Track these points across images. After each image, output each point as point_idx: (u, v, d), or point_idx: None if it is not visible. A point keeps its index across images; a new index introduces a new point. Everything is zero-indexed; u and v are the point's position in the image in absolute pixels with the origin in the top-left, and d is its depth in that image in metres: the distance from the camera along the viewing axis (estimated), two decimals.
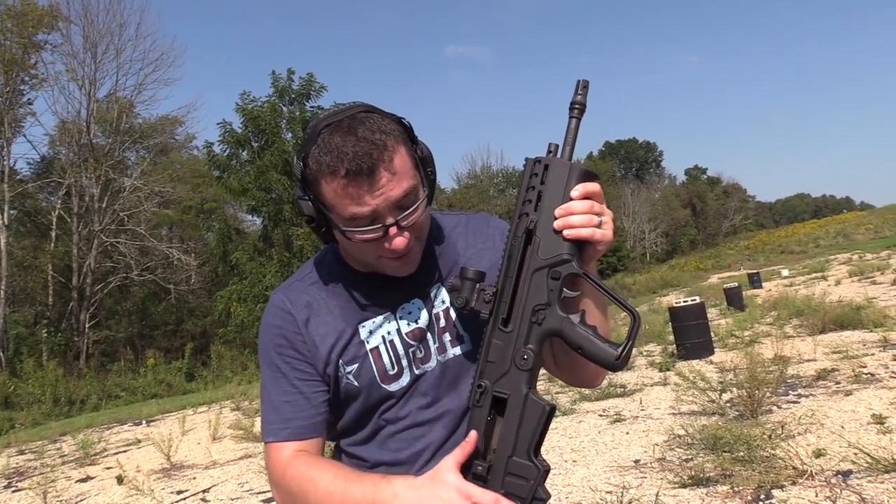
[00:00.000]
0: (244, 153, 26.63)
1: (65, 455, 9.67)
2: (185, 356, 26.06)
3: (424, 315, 1.22)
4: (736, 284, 18.07)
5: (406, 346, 1.21)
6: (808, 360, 7.91)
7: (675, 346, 10.24)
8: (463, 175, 56.70)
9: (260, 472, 6.57)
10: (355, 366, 1.19)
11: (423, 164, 1.15)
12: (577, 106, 1.07)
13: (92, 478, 7.61)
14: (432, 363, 1.22)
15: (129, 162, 30.92)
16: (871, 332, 8.98)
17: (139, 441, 10.02)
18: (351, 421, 1.24)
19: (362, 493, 1.07)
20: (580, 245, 1.04)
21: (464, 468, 1.04)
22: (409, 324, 1.22)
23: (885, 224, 53.39)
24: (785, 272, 29.47)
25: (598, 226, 1.04)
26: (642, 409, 6.91)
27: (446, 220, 1.33)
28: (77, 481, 7.50)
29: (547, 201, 1.05)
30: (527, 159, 1.08)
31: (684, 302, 10.42)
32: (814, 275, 25.25)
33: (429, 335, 1.22)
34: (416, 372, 1.21)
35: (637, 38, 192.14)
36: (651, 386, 8.17)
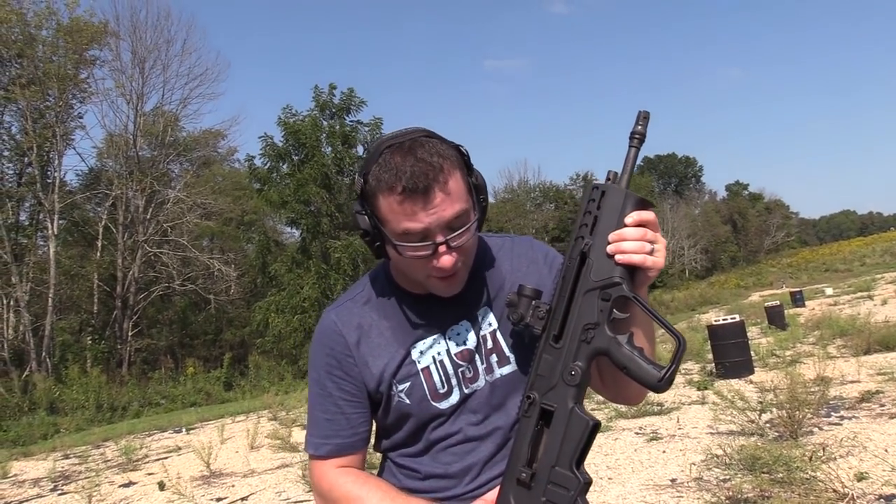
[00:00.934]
0: (284, 166, 27.05)
1: (108, 460, 9.91)
2: (223, 366, 26.43)
3: (472, 337, 1.28)
4: (777, 303, 17.77)
5: (455, 366, 1.26)
6: (852, 382, 7.76)
7: (713, 364, 10.12)
8: (500, 189, 56.70)
9: (297, 481, 6.66)
10: (407, 384, 1.25)
11: (477, 190, 1.21)
12: (637, 136, 1.12)
13: (134, 483, 7.80)
14: (481, 382, 1.27)
15: (172, 174, 31.61)
16: None
17: (179, 448, 10.22)
18: (404, 436, 1.29)
19: None
20: (632, 270, 1.09)
21: (508, 475, 1.10)
22: (458, 345, 1.27)
23: None
24: (829, 290, 28.82)
25: (650, 253, 1.08)
26: (679, 428, 6.84)
27: (492, 241, 1.38)
28: (120, 486, 7.69)
29: (602, 226, 1.10)
30: (586, 184, 1.14)
31: (724, 320, 10.30)
32: (859, 294, 24.67)
33: (477, 356, 1.27)
34: (466, 391, 1.26)
35: (677, 50, 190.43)
36: (689, 404, 8.09)
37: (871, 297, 22.03)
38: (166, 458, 9.49)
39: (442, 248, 1.14)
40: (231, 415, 14.98)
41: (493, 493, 1.15)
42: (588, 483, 1.06)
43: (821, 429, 5.88)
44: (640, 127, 1.12)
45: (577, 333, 1.09)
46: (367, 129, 27.66)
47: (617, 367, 1.08)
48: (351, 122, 27.56)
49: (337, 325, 1.29)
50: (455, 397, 1.26)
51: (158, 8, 39.60)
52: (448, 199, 1.13)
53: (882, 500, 3.92)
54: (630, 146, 1.13)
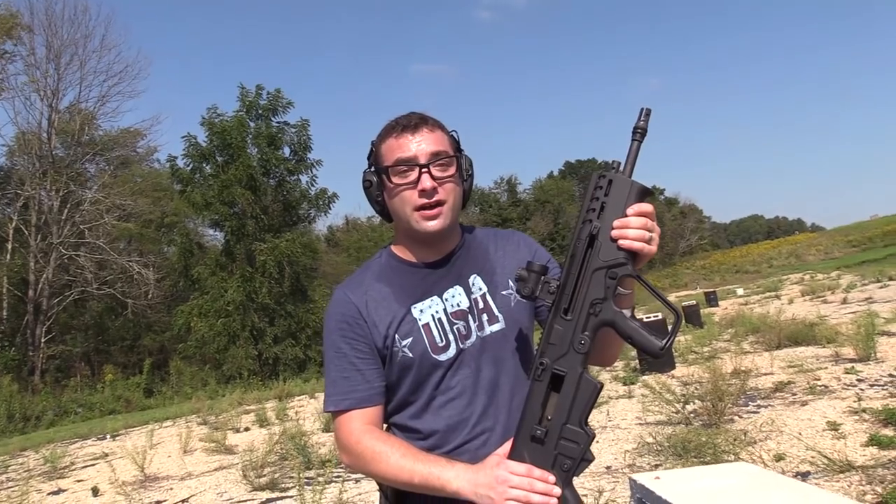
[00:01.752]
0: (208, 167, 26.47)
1: (30, 469, 9.55)
2: (143, 372, 25.66)
3: (465, 299, 1.47)
4: (694, 302, 18.57)
5: (451, 323, 1.44)
6: (766, 374, 8.27)
7: (637, 360, 10.56)
8: None
9: (238, 482, 6.65)
10: (410, 339, 1.42)
11: (469, 166, 1.49)
12: (639, 130, 1.27)
13: (64, 490, 7.59)
14: (473, 338, 1.45)
15: (89, 174, 30.57)
16: (824, 347, 9.41)
17: (106, 455, 9.94)
18: (406, 393, 1.45)
19: (428, 469, 1.30)
20: (632, 253, 1.24)
21: (522, 432, 1.25)
22: (453, 306, 1.46)
23: (835, 245, 55.18)
24: (740, 291, 30.27)
25: (649, 241, 1.25)
26: (610, 420, 7.16)
27: (479, 231, 1.62)
28: (49, 494, 7.47)
29: (608, 212, 1.24)
30: (594, 172, 1.30)
31: (646, 318, 10.75)
32: (768, 294, 26.03)
33: (470, 316, 1.45)
34: (462, 346, 1.44)
35: (598, 58, 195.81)
36: (617, 398, 8.45)
37: (778, 297, 23.29)
38: (93, 464, 9.25)
39: (425, 171, 1.38)
40: (157, 421, 14.62)
41: (504, 448, 1.30)
42: (594, 437, 1.23)
43: (741, 417, 6.29)
44: (642, 122, 1.27)
45: (586, 307, 1.24)
46: (293, 130, 27.40)
47: (622, 337, 1.25)
48: (277, 123, 27.23)
49: (347, 295, 1.47)
50: (452, 351, 1.42)
51: (76, 2, 38.29)
52: (433, 136, 1.41)
53: (799, 476, 4.28)
54: (633, 140, 1.27)
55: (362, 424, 1.42)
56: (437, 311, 1.44)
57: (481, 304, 1.47)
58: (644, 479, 1.14)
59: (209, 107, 26.41)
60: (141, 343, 32.88)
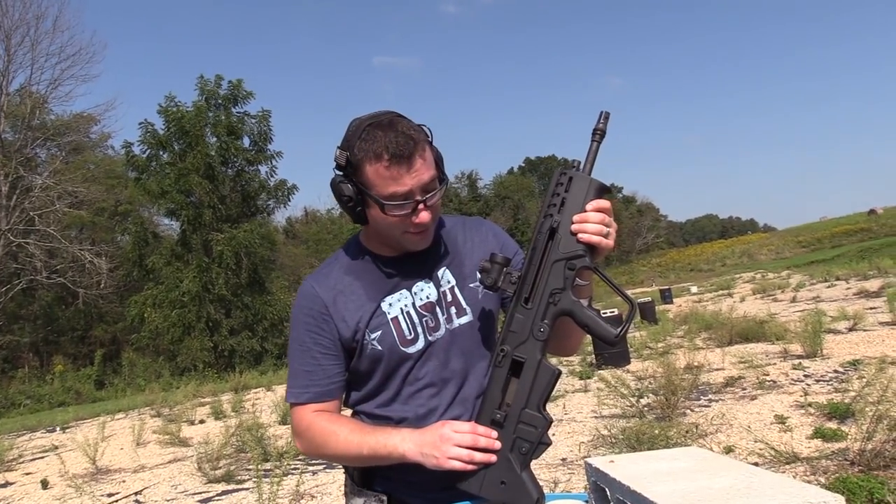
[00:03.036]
0: (165, 155, 26.01)
1: None
2: (94, 363, 25.16)
3: (434, 292, 1.48)
4: (649, 299, 18.92)
5: (420, 316, 1.46)
6: (718, 369, 8.49)
7: (594, 356, 10.73)
8: None
9: (192, 474, 6.58)
10: (379, 332, 1.44)
11: (440, 162, 1.44)
12: (598, 132, 1.33)
13: (12, 483, 7.41)
14: (442, 331, 1.47)
15: (40, 159, 29.71)
16: (773, 343, 9.69)
17: (56, 447, 9.75)
18: (376, 384, 1.47)
19: (376, 440, 1.35)
20: (590, 246, 1.29)
21: (483, 416, 1.30)
22: (421, 298, 1.47)
23: (786, 245, 56.69)
24: (694, 289, 30.90)
25: (606, 236, 1.30)
26: (566, 413, 7.27)
27: (447, 219, 1.61)
28: None
29: (569, 207, 1.30)
30: (556, 169, 1.35)
31: (603, 314, 10.90)
32: (720, 292, 26.63)
33: (438, 308, 1.47)
34: (430, 338, 1.46)
35: (563, 58, 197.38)
36: (573, 392, 8.58)
37: (731, 295, 23.86)
38: (43, 457, 9.05)
39: (421, 206, 1.35)
40: (107, 413, 14.34)
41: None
42: (551, 422, 1.27)
43: (693, 410, 6.44)
44: (601, 124, 1.33)
45: (546, 297, 1.29)
46: (254, 120, 27.06)
47: (579, 326, 1.29)
48: (238, 113, 26.87)
49: (314, 288, 1.47)
50: (421, 343, 1.45)
51: None
52: (425, 165, 1.34)
53: None
54: (592, 140, 1.33)
55: (314, 411, 1.46)
56: (405, 305, 1.46)
57: (450, 297, 1.49)
58: (599, 462, 1.18)
59: (166, 94, 25.96)
60: (92, 334, 32.18)
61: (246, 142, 27.16)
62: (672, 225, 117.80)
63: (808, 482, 3.86)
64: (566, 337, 1.47)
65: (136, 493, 6.24)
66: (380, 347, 1.43)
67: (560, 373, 1.30)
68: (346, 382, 1.52)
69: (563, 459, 5.43)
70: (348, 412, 1.54)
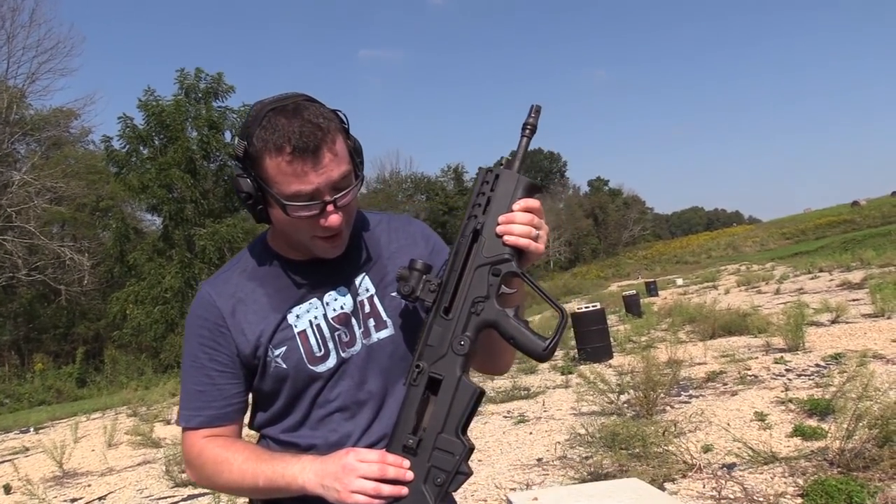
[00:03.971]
0: (145, 150, 25.69)
1: None
2: (76, 361, 24.85)
3: (349, 301, 1.29)
4: (634, 292, 18.86)
5: (332, 329, 1.27)
6: (699, 364, 8.38)
7: (576, 350, 10.61)
8: (371, 179, 56.58)
9: (160, 477, 6.39)
10: (283, 348, 1.25)
11: (356, 154, 1.24)
12: (528, 127, 1.20)
13: None
14: (358, 347, 1.28)
15: (18, 155, 29.18)
16: (756, 337, 9.59)
17: (27, 449, 9.54)
18: (282, 406, 1.29)
19: (272, 469, 1.17)
20: (518, 251, 1.15)
21: (394, 442, 1.13)
22: (335, 309, 1.28)
23: (771, 237, 56.93)
24: (679, 281, 30.92)
25: (535, 238, 1.15)
26: (545, 411, 7.14)
27: (370, 217, 1.41)
28: None
29: (494, 207, 1.16)
30: (480, 168, 1.20)
31: (586, 308, 10.80)
32: (706, 284, 26.63)
33: (354, 320, 1.29)
34: (343, 355, 1.27)
35: (549, 50, 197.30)
36: (553, 388, 8.45)
37: (715, 287, 23.86)
38: (12, 459, 8.82)
39: (330, 208, 1.16)
40: (85, 412, 14.13)
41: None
42: (472, 449, 1.11)
43: (672, 407, 6.33)
44: (531, 119, 1.20)
45: (468, 306, 1.14)
46: (235, 115, 26.76)
47: (504, 338, 1.13)
48: (219, 107, 26.56)
49: (211, 296, 1.28)
50: (332, 361, 1.26)
51: None
52: (335, 160, 1.15)
53: (725, 468, 4.29)
54: (522, 136, 1.20)
55: (206, 437, 1.28)
56: (315, 317, 1.27)
57: (367, 308, 1.30)
58: (521, 499, 1.02)
59: (146, 88, 25.62)
60: (75, 331, 31.76)
61: (228, 136, 26.85)
62: (658, 217, 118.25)
63: (786, 484, 3.74)
64: (498, 353, 1.31)
65: (99, 499, 6.05)
66: (284, 366, 1.25)
67: (483, 392, 1.13)
68: (253, 402, 1.34)
69: (539, 459, 5.29)
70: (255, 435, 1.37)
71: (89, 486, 6.64)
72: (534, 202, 1.16)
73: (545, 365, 10.69)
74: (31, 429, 12.16)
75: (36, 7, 39.40)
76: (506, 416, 7.16)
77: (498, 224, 1.14)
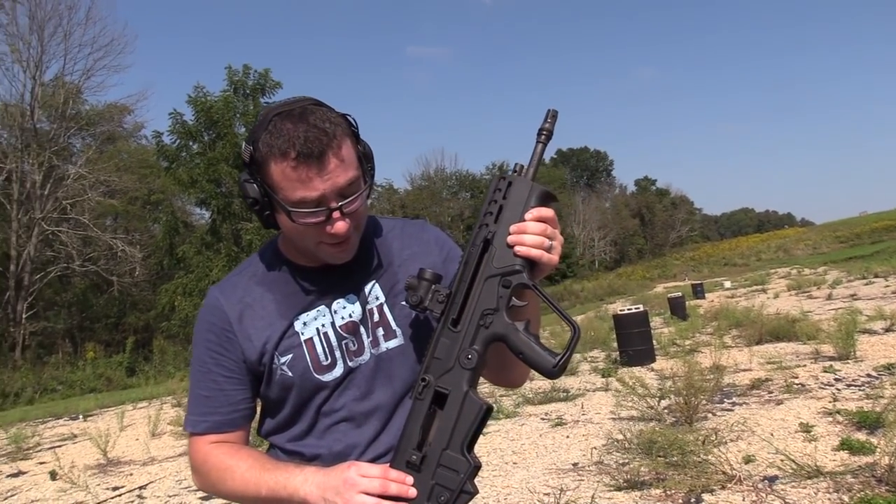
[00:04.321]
0: (194, 145, 26.20)
1: None
2: (126, 350, 25.46)
3: (358, 309, 1.26)
4: (680, 294, 18.51)
5: (339, 338, 1.25)
6: (744, 370, 8.17)
7: (618, 352, 10.45)
8: (416, 176, 56.75)
9: None
10: (289, 356, 1.23)
11: (365, 159, 1.21)
12: (544, 132, 1.14)
13: (24, 472, 7.42)
14: (366, 356, 1.26)
15: (74, 149, 30.08)
16: (805, 344, 9.31)
17: (75, 436, 9.79)
18: (288, 414, 1.27)
19: (275, 479, 1.15)
20: (530, 262, 1.10)
21: (398, 457, 1.10)
22: (343, 317, 1.26)
23: (824, 240, 55.39)
24: (727, 284, 30.29)
25: (548, 249, 1.10)
26: (583, 414, 7.04)
27: (384, 222, 1.38)
28: (8, 476, 7.30)
29: (506, 216, 1.11)
30: (493, 175, 1.15)
31: (628, 310, 10.64)
32: (754, 287, 26.03)
33: (362, 329, 1.26)
34: (350, 364, 1.25)
35: (597, 48, 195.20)
36: (593, 391, 8.33)
37: (764, 291, 23.28)
38: (60, 446, 9.07)
39: (336, 215, 1.14)
40: (132, 401, 14.47)
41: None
42: (478, 467, 1.07)
43: (714, 414, 6.17)
44: (547, 124, 1.15)
45: (476, 318, 1.10)
46: None
47: (513, 353, 1.09)
48: (266, 103, 26.90)
49: (219, 300, 1.27)
50: (339, 370, 1.24)
51: None
52: (342, 166, 1.12)
53: (766, 481, 4.15)
54: (537, 142, 1.15)
55: (212, 442, 1.26)
56: (323, 325, 1.25)
57: (377, 317, 1.27)
58: None
59: (196, 85, 26.10)
60: (125, 321, 32.59)
61: None
62: (707, 218, 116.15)
63: (830, 500, 3.60)
64: (511, 366, 1.26)
65: (140, 488, 6.17)
66: (290, 374, 1.23)
67: (490, 409, 1.09)
68: (261, 409, 1.32)
69: (575, 464, 5.21)
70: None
71: (131, 474, 6.78)
72: (547, 211, 1.12)
73: (586, 367, 10.57)
74: (81, 416, 12.50)
75: (92, 5, 40.40)
76: (543, 419, 7.08)
77: (509, 234, 1.10)
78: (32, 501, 6.10)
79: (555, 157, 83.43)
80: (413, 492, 1.07)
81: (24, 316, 25.68)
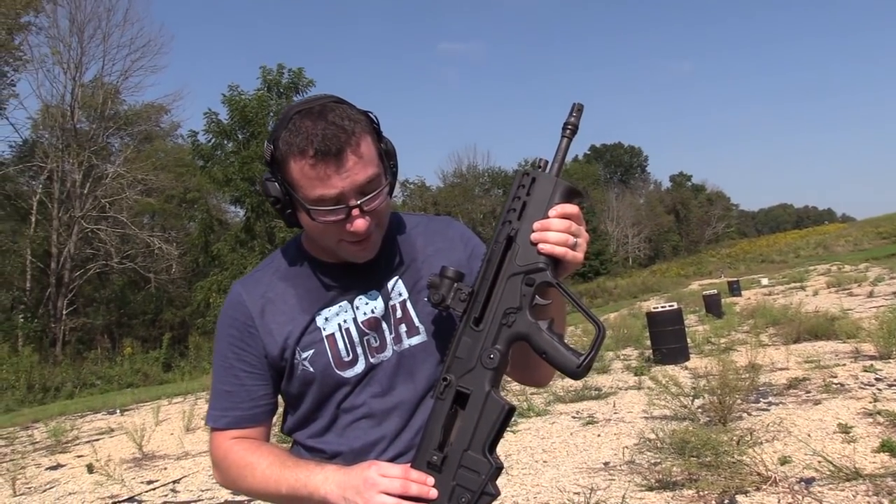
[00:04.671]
0: (229, 144, 26.49)
1: (36, 442, 9.60)
2: (162, 346, 25.86)
3: (381, 306, 1.25)
4: (715, 291, 18.22)
5: (361, 334, 1.24)
6: (781, 369, 8.00)
7: (651, 350, 10.32)
8: (449, 173, 56.70)
9: None
10: (311, 352, 1.22)
11: (387, 156, 1.20)
12: (569, 127, 1.12)
13: (62, 465, 7.56)
14: (388, 353, 1.25)
15: (112, 148, 30.61)
16: (844, 342, 9.10)
17: (112, 430, 9.96)
18: (309, 410, 1.26)
19: (295, 477, 1.14)
20: (554, 259, 1.07)
21: (419, 457, 1.08)
22: (365, 313, 1.25)
23: (865, 237, 54.03)
24: (764, 281, 29.74)
25: (573, 247, 1.07)
26: (615, 413, 6.96)
27: (408, 219, 1.37)
28: (47, 469, 7.45)
29: (530, 212, 1.09)
30: (517, 170, 1.13)
31: (662, 307, 10.49)
32: (793, 285, 25.52)
33: (384, 325, 1.25)
34: (372, 361, 1.24)
35: (632, 43, 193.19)
36: (626, 389, 8.24)
37: (803, 288, 22.81)
38: (97, 440, 9.24)
39: (356, 212, 1.13)
40: (168, 396, 14.68)
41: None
42: (500, 468, 1.05)
43: (749, 414, 6.05)
44: (573, 118, 1.12)
45: (499, 317, 1.08)
46: None
47: (536, 353, 1.06)
48: None
49: (241, 296, 1.27)
50: (360, 366, 1.23)
51: None
52: (361, 163, 1.11)
53: (802, 482, 4.05)
54: (563, 136, 1.12)
55: (233, 438, 1.26)
56: (345, 320, 1.24)
57: (399, 313, 1.26)
58: None
59: (230, 84, 26.37)
60: (162, 317, 33.16)
61: None
62: (744, 214, 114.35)
63: (870, 503, 3.50)
64: (533, 366, 1.24)
65: (174, 482, 6.25)
66: (311, 369, 1.22)
67: (513, 409, 1.06)
68: (284, 406, 1.32)
69: (606, 463, 5.15)
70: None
71: (165, 469, 6.87)
72: (572, 208, 1.09)
73: (618, 365, 10.46)
74: (118, 410, 12.72)
75: (129, 7, 41.22)
76: (574, 417, 7.02)
77: (533, 231, 1.07)
78: (70, 494, 6.22)
79: (588, 153, 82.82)
80: (434, 493, 1.05)
81: (64, 312, 26.24)
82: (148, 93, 57.48)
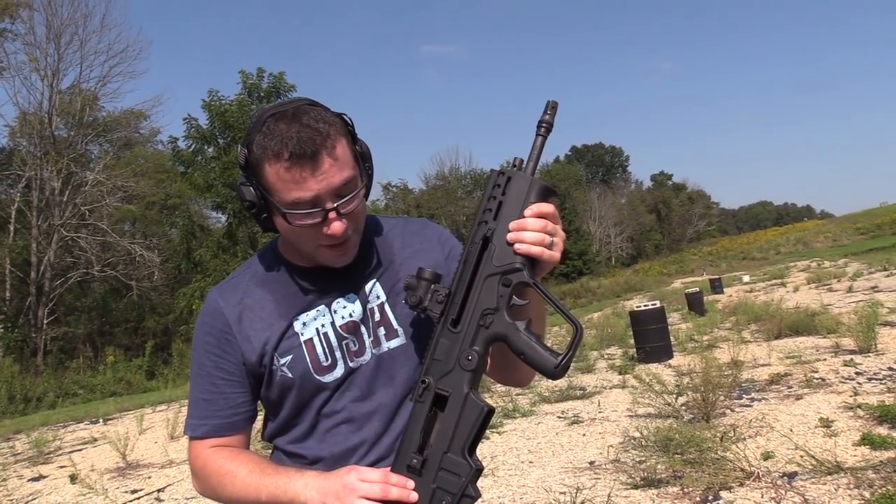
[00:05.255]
0: (210, 149, 26.34)
1: (18, 453, 9.46)
2: (145, 354, 25.64)
3: (359, 309, 1.25)
4: (697, 289, 18.36)
5: (340, 338, 1.23)
6: (763, 365, 8.08)
7: (635, 349, 10.38)
8: (431, 176, 56.76)
9: None
10: (289, 357, 1.22)
11: (363, 158, 1.20)
12: (544, 125, 1.12)
13: (45, 476, 7.47)
14: (367, 356, 1.24)
15: (91, 155, 30.39)
16: (825, 338, 9.19)
17: (95, 440, 9.86)
18: (288, 416, 1.26)
19: (276, 484, 1.14)
20: (531, 259, 1.07)
21: (399, 461, 1.08)
22: (343, 317, 1.24)
23: (844, 233, 54.73)
24: (746, 278, 30.01)
25: (549, 246, 1.07)
26: (600, 412, 6.99)
27: (385, 221, 1.37)
28: (29, 480, 7.35)
29: (505, 212, 1.09)
30: (492, 170, 1.13)
31: (645, 306, 10.56)
32: (773, 281, 25.78)
33: (363, 328, 1.25)
34: (351, 365, 1.23)
35: (612, 43, 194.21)
36: (610, 388, 8.27)
37: (784, 284, 23.05)
38: (80, 450, 9.14)
39: (332, 215, 1.12)
40: (152, 404, 14.56)
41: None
42: (479, 470, 1.05)
43: (732, 410, 6.10)
44: (547, 116, 1.12)
45: (476, 318, 1.08)
46: None
47: (514, 353, 1.07)
48: None
49: (218, 303, 1.26)
50: (339, 371, 1.23)
51: None
52: (336, 165, 1.11)
53: (785, 477, 4.09)
54: (537, 134, 1.12)
55: (212, 447, 1.25)
56: (323, 325, 1.23)
57: (378, 316, 1.26)
58: None
59: (210, 89, 26.22)
60: (145, 325, 32.88)
61: None
62: (724, 212, 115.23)
63: (851, 497, 3.54)
64: (512, 366, 1.24)
65: (158, 491, 6.19)
66: (290, 375, 1.21)
67: (492, 411, 1.06)
68: (264, 412, 1.31)
69: (591, 462, 5.17)
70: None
71: (149, 477, 6.81)
72: (548, 207, 1.09)
73: (602, 364, 10.51)
74: (101, 419, 12.60)
75: (106, 12, 40.82)
76: (560, 417, 7.04)
77: (509, 231, 1.07)
78: None
79: (569, 153, 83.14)
80: (414, 496, 1.05)
81: (45, 321, 25.94)
82: (127, 98, 56.97)
